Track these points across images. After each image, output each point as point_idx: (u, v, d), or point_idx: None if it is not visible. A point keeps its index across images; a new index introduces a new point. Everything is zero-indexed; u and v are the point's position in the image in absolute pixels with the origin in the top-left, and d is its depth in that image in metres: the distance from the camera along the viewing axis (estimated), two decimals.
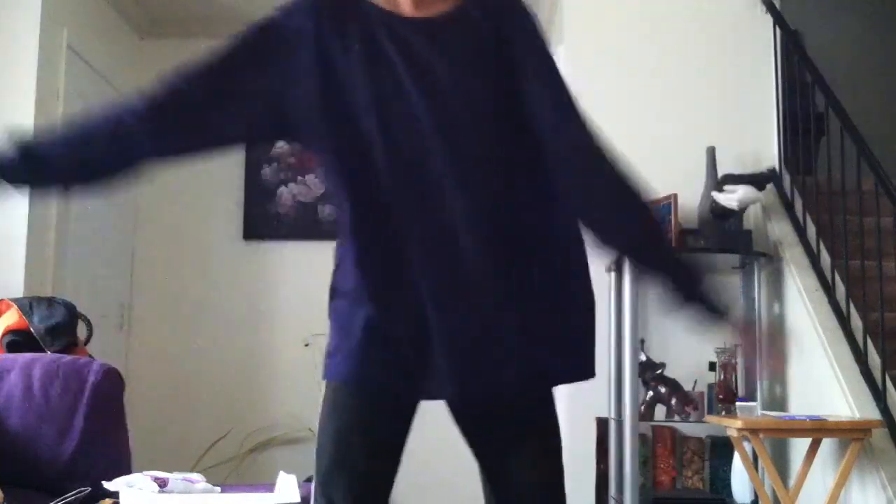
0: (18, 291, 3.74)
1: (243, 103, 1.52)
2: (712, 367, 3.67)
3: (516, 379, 1.48)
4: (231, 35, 1.54)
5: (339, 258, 1.55)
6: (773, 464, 3.12)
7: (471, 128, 1.46)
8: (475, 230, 1.45)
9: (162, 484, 2.48)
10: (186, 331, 5.11)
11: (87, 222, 4.49)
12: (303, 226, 5.12)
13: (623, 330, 3.55)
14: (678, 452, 3.76)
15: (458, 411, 1.57)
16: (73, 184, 1.55)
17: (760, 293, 3.72)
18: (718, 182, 3.71)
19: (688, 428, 3.78)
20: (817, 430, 2.94)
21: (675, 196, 3.72)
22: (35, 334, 3.23)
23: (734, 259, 3.72)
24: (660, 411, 3.61)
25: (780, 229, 3.81)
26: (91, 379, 2.87)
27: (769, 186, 3.86)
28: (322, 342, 1.61)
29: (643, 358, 3.61)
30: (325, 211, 5.09)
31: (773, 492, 3.19)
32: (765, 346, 1.56)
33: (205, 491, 2.57)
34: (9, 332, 3.24)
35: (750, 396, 3.62)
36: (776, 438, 3.56)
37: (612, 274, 3.85)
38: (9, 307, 3.33)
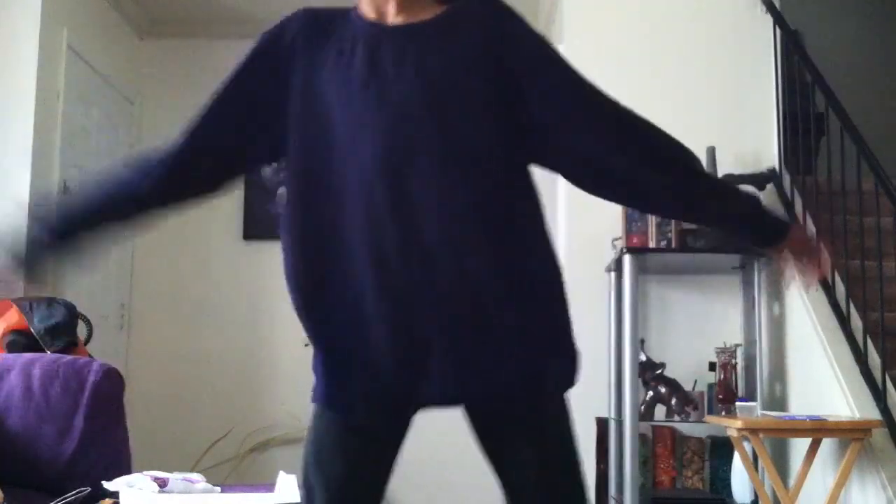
0: (18, 291, 3.74)
1: (258, 123, 1.54)
2: (712, 367, 3.67)
3: (515, 379, 1.47)
4: (231, 66, 1.56)
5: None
6: (773, 464, 3.11)
7: (435, 134, 1.42)
8: (445, 242, 1.41)
9: (162, 484, 2.48)
10: (186, 331, 5.12)
11: None
12: None
13: (623, 330, 3.55)
14: (678, 452, 3.76)
15: (472, 415, 1.53)
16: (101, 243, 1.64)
17: (760, 293, 3.72)
18: None
19: (688, 428, 3.78)
20: (817, 430, 2.94)
21: None
22: (35, 334, 3.23)
23: (734, 259, 3.72)
24: (660, 411, 3.61)
25: None
26: (91, 379, 2.87)
27: (769, 186, 3.86)
28: None
29: (643, 358, 3.61)
30: None
31: (773, 492, 3.19)
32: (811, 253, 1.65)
33: (205, 491, 2.57)
34: (9, 332, 3.24)
35: (750, 396, 3.62)
36: (776, 438, 3.56)
37: (612, 274, 3.85)
38: (9, 307, 3.33)
